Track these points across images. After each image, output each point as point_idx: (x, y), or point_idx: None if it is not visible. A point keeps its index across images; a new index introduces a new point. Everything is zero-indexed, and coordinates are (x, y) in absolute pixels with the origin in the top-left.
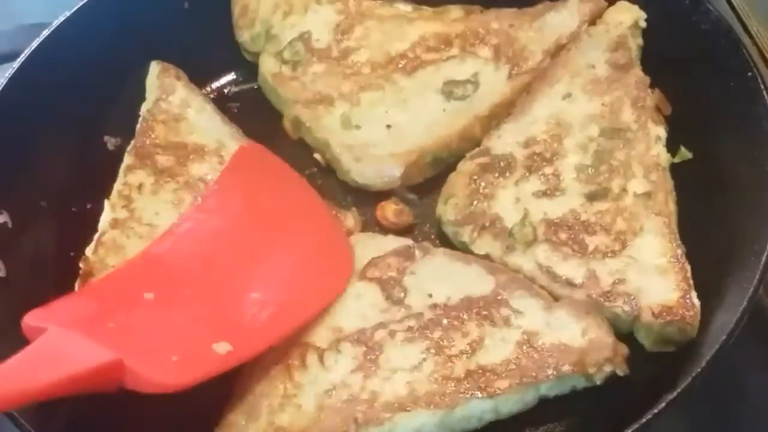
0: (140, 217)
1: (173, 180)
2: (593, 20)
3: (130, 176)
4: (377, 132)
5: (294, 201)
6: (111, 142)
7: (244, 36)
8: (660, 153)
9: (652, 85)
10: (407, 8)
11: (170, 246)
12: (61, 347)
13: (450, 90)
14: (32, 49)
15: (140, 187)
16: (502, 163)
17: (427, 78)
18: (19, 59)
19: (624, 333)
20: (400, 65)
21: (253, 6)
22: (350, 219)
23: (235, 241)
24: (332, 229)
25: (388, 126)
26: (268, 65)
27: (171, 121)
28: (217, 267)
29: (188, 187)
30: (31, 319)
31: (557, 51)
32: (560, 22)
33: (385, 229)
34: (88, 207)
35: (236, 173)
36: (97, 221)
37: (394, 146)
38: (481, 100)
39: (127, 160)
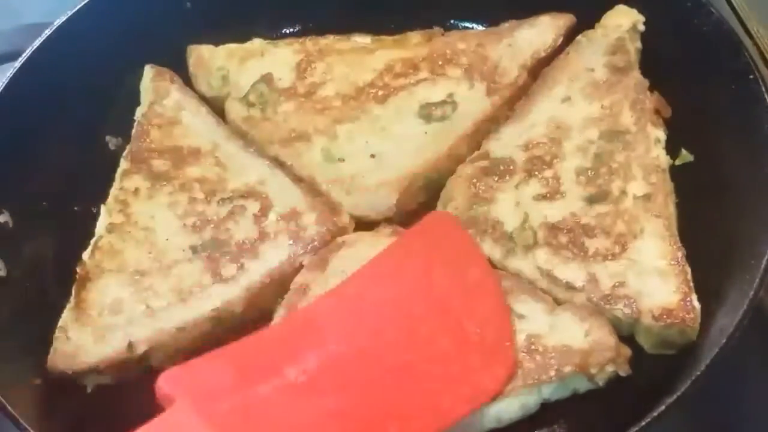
0: (136, 221)
1: (169, 184)
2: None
3: (126, 181)
4: (362, 162)
5: (470, 284)
6: (112, 141)
7: (201, 84)
8: (659, 155)
9: (652, 88)
10: (366, 40)
11: (331, 311)
12: None
13: (428, 112)
14: (33, 48)
15: (136, 191)
16: (501, 167)
17: (402, 104)
18: (20, 59)
19: (624, 335)
20: (370, 94)
21: (208, 55)
22: (344, 217)
23: (404, 318)
24: (502, 321)
25: (372, 155)
26: (235, 110)
27: (166, 125)
28: (380, 349)
29: (184, 189)
30: (165, 382)
31: (535, 66)
32: (533, 38)
33: None
34: (92, 209)
35: (420, 241)
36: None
37: (383, 174)
38: (462, 119)
39: (123, 164)
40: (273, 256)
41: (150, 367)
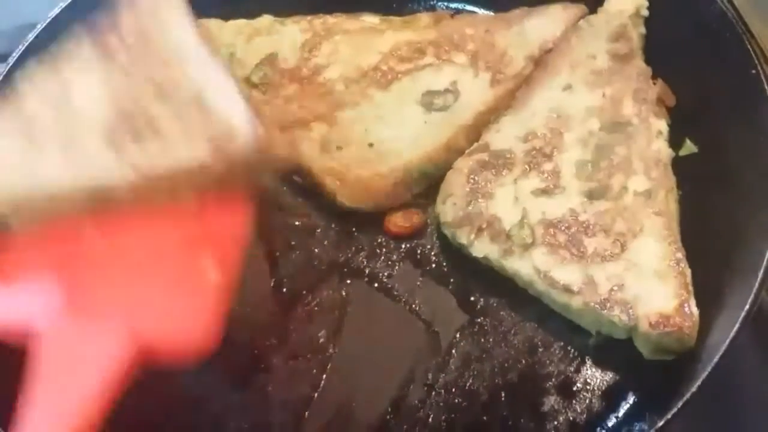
0: None
1: None
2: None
3: None
4: (360, 152)
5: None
6: None
7: None
8: (661, 148)
9: (655, 76)
10: (375, 20)
11: None
12: None
13: (429, 101)
14: (26, 44)
15: None
16: (500, 160)
17: (404, 90)
18: (12, 56)
19: (622, 339)
20: (374, 79)
21: (215, 31)
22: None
23: None
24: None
25: (371, 144)
26: None
27: None
28: None
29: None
30: None
31: (542, 56)
32: (542, 28)
33: (398, 237)
34: None
35: None
36: None
37: (378, 165)
38: (463, 109)
39: None
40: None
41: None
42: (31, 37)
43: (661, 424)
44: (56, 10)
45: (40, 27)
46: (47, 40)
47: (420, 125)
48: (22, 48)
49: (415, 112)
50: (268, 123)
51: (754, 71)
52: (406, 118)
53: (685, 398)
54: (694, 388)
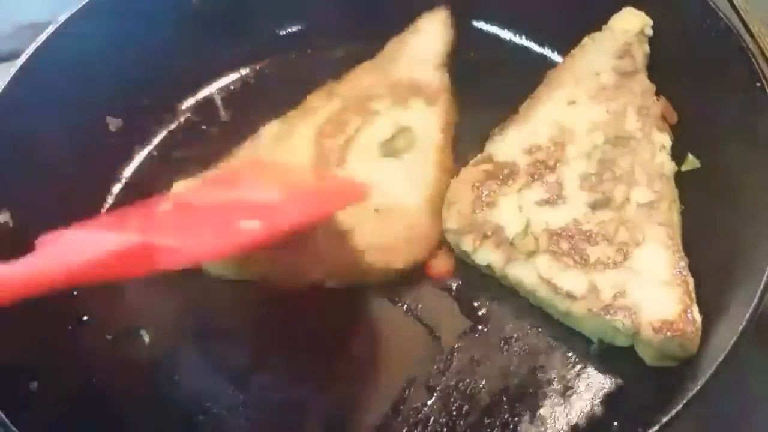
0: None
1: None
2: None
3: None
4: (370, 220)
5: None
6: (113, 123)
7: None
8: (664, 162)
9: (658, 93)
10: (273, 128)
11: None
12: (87, 238)
13: (392, 148)
14: (36, 46)
15: None
16: (505, 171)
17: (363, 155)
18: (21, 57)
19: (625, 346)
20: (330, 160)
21: None
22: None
23: None
24: None
25: (377, 210)
26: None
27: None
28: None
29: None
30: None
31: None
32: (424, 42)
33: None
34: (90, 204)
35: None
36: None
37: (397, 225)
38: (425, 136)
39: None
40: None
41: None
42: (42, 38)
43: (663, 422)
44: (66, 14)
45: (51, 29)
46: (57, 42)
47: (402, 171)
48: (32, 49)
49: (389, 165)
50: None
51: (759, 84)
52: (385, 175)
53: (685, 400)
54: (695, 391)
